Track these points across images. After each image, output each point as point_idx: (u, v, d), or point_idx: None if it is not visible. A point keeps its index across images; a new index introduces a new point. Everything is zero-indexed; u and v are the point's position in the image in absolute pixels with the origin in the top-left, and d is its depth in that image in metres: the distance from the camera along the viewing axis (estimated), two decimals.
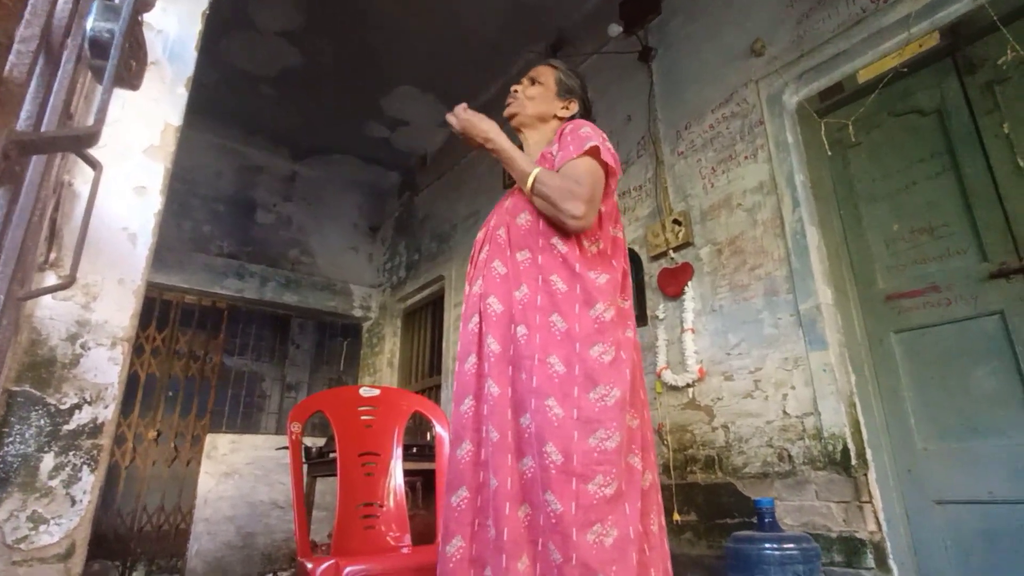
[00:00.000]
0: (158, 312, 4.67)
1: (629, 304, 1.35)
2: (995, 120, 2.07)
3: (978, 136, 2.10)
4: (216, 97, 4.68)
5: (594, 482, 1.09)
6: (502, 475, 1.14)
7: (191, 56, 1.61)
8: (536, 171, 1.31)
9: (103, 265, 1.31)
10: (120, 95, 1.34)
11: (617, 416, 1.15)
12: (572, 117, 1.56)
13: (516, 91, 1.57)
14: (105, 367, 1.27)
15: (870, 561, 1.98)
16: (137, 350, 4.45)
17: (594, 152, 1.30)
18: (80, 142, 0.53)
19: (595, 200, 1.28)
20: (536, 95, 1.55)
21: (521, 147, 1.52)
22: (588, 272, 1.27)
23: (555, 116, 1.55)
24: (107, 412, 1.25)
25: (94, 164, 0.85)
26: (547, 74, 1.58)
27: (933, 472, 2.05)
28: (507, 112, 1.56)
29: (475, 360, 1.28)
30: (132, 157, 1.43)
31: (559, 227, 1.28)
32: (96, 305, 1.28)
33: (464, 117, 1.45)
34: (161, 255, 3.97)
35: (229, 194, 5.36)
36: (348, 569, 1.42)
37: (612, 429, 1.14)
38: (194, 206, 5.12)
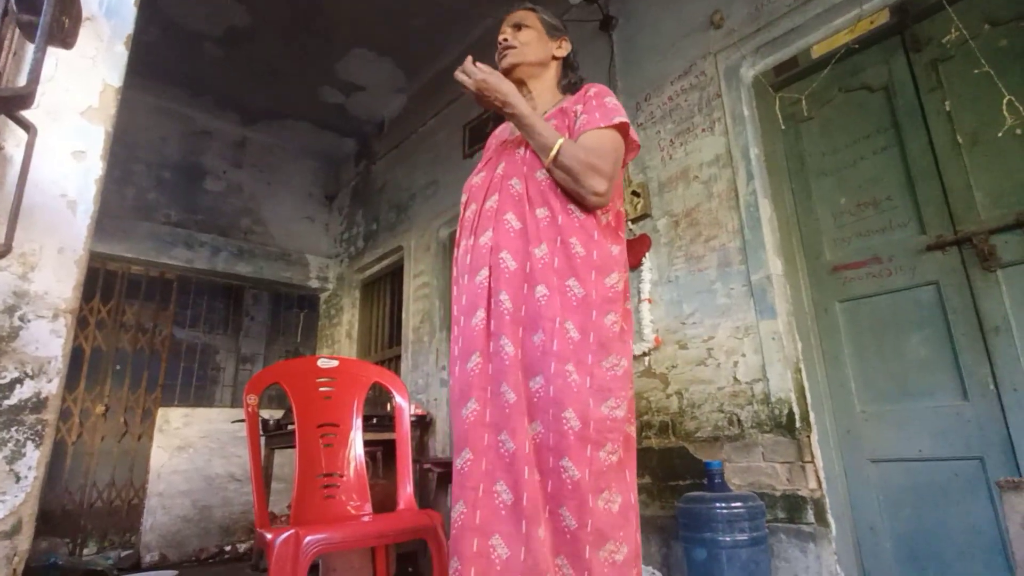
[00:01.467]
0: (102, 283, 4.47)
1: (627, 276, 1.38)
2: (938, 97, 2.15)
3: (922, 113, 2.18)
4: (158, 56, 4.42)
5: (605, 449, 1.11)
6: (519, 439, 1.11)
7: (130, 12, 1.51)
8: (560, 142, 1.26)
9: (41, 234, 1.24)
10: (53, 53, 1.25)
11: (625, 386, 1.18)
12: (567, 57, 1.55)
13: (506, 40, 1.49)
14: (47, 340, 1.22)
15: (810, 516, 2.10)
16: (81, 323, 4.26)
17: (623, 128, 1.30)
18: (13, 103, 0.50)
19: (615, 177, 1.28)
20: (531, 39, 1.49)
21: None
22: (604, 241, 1.27)
23: (553, 57, 1.52)
24: (51, 386, 1.20)
25: (28, 127, 0.80)
26: (530, 17, 1.53)
27: (869, 433, 2.18)
28: (506, 63, 1.47)
29: (484, 315, 1.22)
30: (68, 119, 1.34)
31: (577, 200, 1.26)
32: (35, 275, 1.22)
33: (481, 77, 1.33)
34: (103, 224, 3.78)
35: (175, 160, 5.12)
36: (308, 538, 1.42)
37: (621, 398, 1.15)
38: (137, 172, 4.87)
